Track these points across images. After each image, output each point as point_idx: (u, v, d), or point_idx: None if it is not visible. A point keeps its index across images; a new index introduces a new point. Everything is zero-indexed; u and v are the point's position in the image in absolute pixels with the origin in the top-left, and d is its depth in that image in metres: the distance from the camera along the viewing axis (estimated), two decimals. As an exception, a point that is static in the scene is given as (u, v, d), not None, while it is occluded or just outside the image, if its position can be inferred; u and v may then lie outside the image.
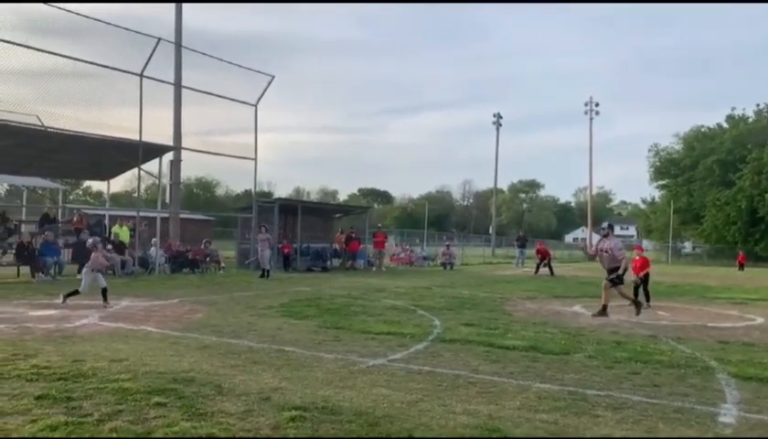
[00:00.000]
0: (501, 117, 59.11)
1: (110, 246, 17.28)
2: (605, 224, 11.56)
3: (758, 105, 55.40)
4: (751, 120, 54.88)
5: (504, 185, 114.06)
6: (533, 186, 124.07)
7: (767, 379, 5.89)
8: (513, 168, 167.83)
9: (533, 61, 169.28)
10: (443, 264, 28.42)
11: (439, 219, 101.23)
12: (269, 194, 73.07)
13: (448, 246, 30.60)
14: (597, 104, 56.01)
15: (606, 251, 10.84)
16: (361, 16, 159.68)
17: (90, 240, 11.28)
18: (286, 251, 22.40)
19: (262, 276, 17.89)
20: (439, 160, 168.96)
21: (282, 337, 7.64)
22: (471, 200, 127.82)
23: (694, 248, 59.49)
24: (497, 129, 59.25)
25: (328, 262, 25.01)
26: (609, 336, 8.44)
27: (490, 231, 58.94)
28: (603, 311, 10.56)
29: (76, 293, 10.29)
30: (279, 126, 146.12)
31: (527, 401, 4.88)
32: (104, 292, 10.26)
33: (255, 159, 22.39)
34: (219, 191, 77.75)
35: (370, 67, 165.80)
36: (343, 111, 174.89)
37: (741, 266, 35.98)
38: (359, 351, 6.83)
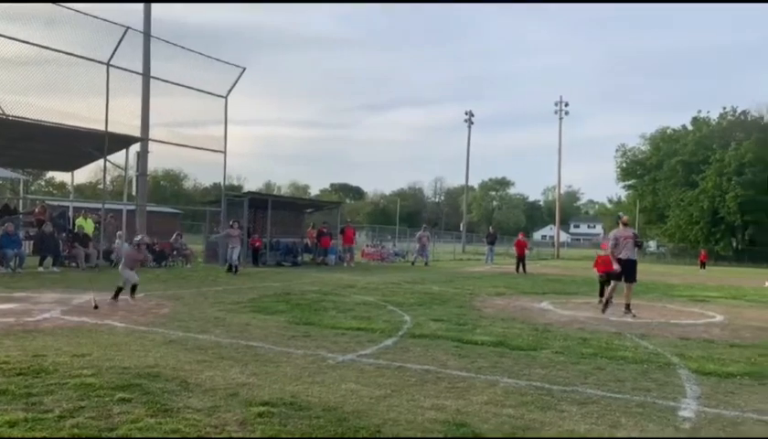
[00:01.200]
0: (473, 115, 59.56)
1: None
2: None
3: (724, 108, 57.03)
4: (715, 122, 56.39)
5: (475, 182, 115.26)
6: (503, 184, 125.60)
7: (725, 374, 6.06)
8: (484, 166, 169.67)
9: (505, 61, 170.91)
10: (420, 254, 28.11)
11: (411, 215, 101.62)
12: (238, 188, 72.32)
13: (425, 228, 30.36)
14: (567, 104, 56.84)
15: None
16: (338, 11, 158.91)
17: (137, 237, 11.12)
18: (256, 245, 22.20)
19: (229, 271, 17.67)
20: (411, 157, 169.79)
21: (251, 333, 7.57)
22: (442, 197, 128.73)
23: (658, 247, 60.94)
24: (469, 127, 59.70)
25: (299, 258, 24.89)
26: (575, 332, 8.59)
27: (461, 228, 59.37)
28: (606, 305, 10.93)
29: (120, 290, 10.11)
30: (250, 119, 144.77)
31: (494, 396, 4.93)
32: (134, 288, 10.23)
33: (225, 152, 22.14)
34: (188, 184, 76.67)
35: (344, 62, 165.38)
36: (316, 105, 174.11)
37: (703, 265, 36.97)
38: (329, 347, 6.81)
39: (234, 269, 17.72)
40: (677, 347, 7.56)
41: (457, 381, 5.41)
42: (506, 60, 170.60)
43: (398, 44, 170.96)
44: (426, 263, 27.45)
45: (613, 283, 10.94)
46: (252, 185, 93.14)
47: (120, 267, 10.42)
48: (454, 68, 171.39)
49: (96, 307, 9.16)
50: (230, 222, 19.37)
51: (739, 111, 55.93)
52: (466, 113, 59.54)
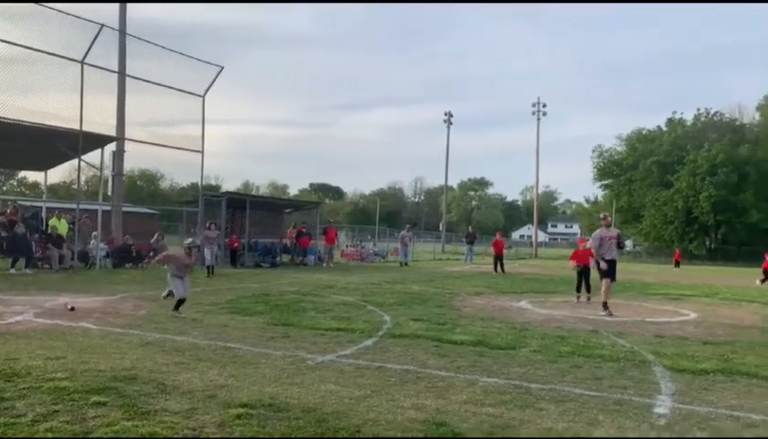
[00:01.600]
0: (452, 115, 59.80)
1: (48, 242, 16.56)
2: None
3: (698, 109, 58.12)
4: (689, 124, 57.43)
5: (454, 182, 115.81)
6: (482, 184, 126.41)
7: (699, 371, 6.17)
8: (463, 166, 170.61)
9: (484, 61, 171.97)
10: (403, 254, 28.00)
11: (390, 215, 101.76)
12: (216, 187, 71.68)
13: (408, 227, 30.28)
14: (545, 105, 57.37)
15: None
16: (317, 10, 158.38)
17: (188, 240, 9.80)
18: (234, 246, 22.02)
19: (209, 275, 17.05)
20: (391, 157, 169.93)
21: (229, 334, 7.50)
22: (422, 197, 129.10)
23: (634, 246, 61.85)
24: (448, 127, 59.93)
25: (278, 258, 24.75)
26: (553, 331, 8.67)
27: (440, 228, 59.60)
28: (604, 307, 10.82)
29: (181, 300, 8.96)
30: (228, 118, 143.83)
31: (473, 395, 4.95)
32: (181, 302, 8.91)
33: (202, 152, 21.93)
34: (164, 184, 75.66)
35: (324, 61, 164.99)
36: (295, 105, 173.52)
37: (678, 264, 37.57)
38: (308, 348, 6.78)
39: (210, 270, 17.26)
40: (653, 345, 7.68)
41: (437, 381, 5.42)
42: (485, 61, 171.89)
43: (377, 43, 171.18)
44: (405, 264, 27.37)
45: (604, 283, 10.85)
46: (230, 185, 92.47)
47: (168, 276, 9.00)
48: (434, 68, 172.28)
49: (72, 309, 9.00)
50: (207, 224, 18.86)
51: (712, 112, 57.15)
52: (446, 114, 59.80)
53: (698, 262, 46.70)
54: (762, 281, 20.57)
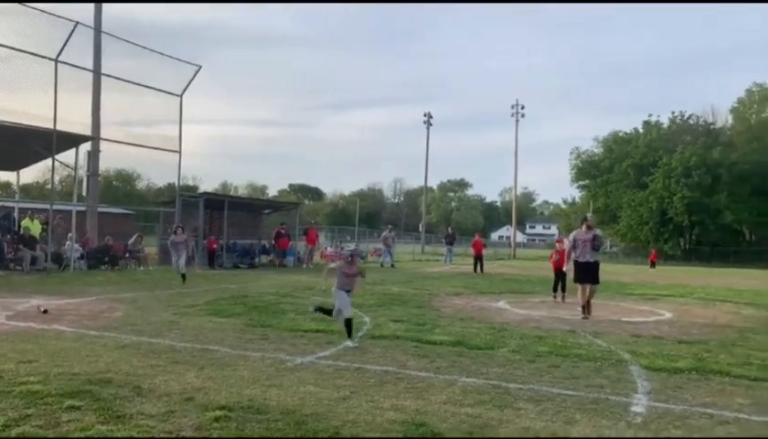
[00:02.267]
0: (431, 116, 59.92)
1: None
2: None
3: (673, 112, 59.19)
4: (665, 126, 58.41)
5: (434, 183, 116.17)
6: (461, 185, 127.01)
7: (674, 370, 6.27)
8: (443, 167, 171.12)
9: (464, 63, 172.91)
10: (385, 255, 27.61)
11: (370, 216, 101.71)
12: (194, 188, 70.93)
13: (390, 228, 30.07)
14: (523, 107, 57.81)
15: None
16: (297, 10, 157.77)
17: (350, 246, 8.64)
18: (212, 247, 21.81)
19: (184, 281, 15.01)
20: (371, 157, 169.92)
21: (207, 336, 7.42)
22: (402, 198, 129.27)
23: (611, 246, 62.64)
24: (428, 128, 60.04)
25: (256, 259, 24.56)
26: (531, 331, 8.74)
27: (420, 229, 59.71)
28: (583, 309, 10.54)
29: (329, 313, 7.84)
30: (206, 118, 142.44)
31: (453, 396, 4.97)
32: (348, 324, 7.41)
33: (180, 152, 21.69)
34: (141, 184, 74.68)
35: (304, 61, 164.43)
36: (274, 105, 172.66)
37: (653, 264, 38.17)
38: (287, 349, 6.74)
39: (183, 277, 15.15)
40: (629, 345, 7.78)
41: (416, 381, 5.43)
42: (466, 62, 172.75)
43: (356, 44, 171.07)
44: (392, 265, 27.05)
45: (579, 287, 10.71)
46: (208, 185, 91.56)
47: (333, 289, 7.65)
48: (414, 68, 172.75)
49: (44, 312, 8.82)
50: (173, 227, 16.78)
51: (687, 115, 58.22)
52: (425, 115, 59.86)
53: (674, 263, 47.47)
54: None
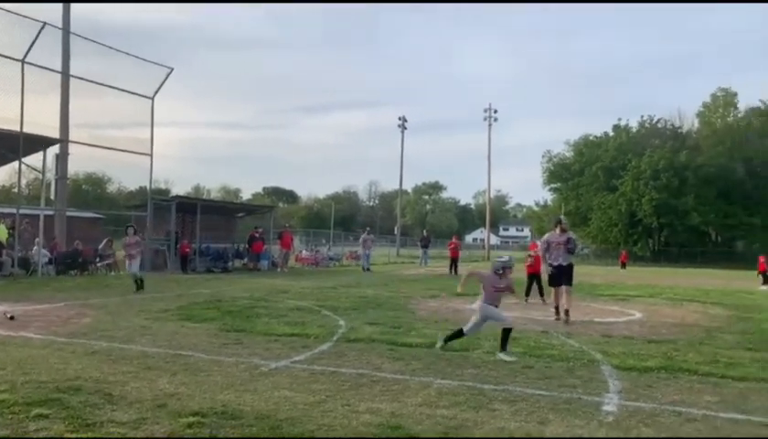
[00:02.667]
0: (406, 120, 60.16)
1: None
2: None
3: (642, 116, 60.51)
4: (634, 130, 59.62)
5: (409, 186, 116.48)
6: (436, 188, 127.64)
7: (644, 369, 6.39)
8: (418, 170, 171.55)
9: (438, 66, 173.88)
10: (365, 258, 27.35)
11: (345, 219, 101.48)
12: (166, 191, 69.88)
13: (368, 231, 29.96)
14: (496, 111, 58.41)
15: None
16: (273, 12, 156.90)
17: (503, 258, 7.27)
18: (185, 251, 21.53)
19: (139, 289, 13.53)
20: (346, 160, 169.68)
21: (180, 341, 7.32)
22: (377, 201, 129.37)
23: (582, 248, 63.58)
24: (402, 132, 60.25)
25: (230, 263, 24.33)
26: (505, 332, 8.80)
27: (395, 232, 59.82)
28: (565, 314, 10.32)
29: (459, 334, 7.08)
30: (179, 121, 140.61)
31: (428, 398, 4.99)
32: (506, 333, 6.89)
33: (151, 155, 21.38)
34: (111, 188, 73.35)
35: (277, 64, 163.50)
36: (248, 108, 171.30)
37: (624, 265, 38.86)
38: (262, 354, 6.68)
39: (139, 283, 13.75)
40: (600, 345, 7.90)
41: (392, 384, 5.44)
42: (439, 66, 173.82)
43: (332, 46, 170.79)
44: (368, 269, 26.91)
45: (554, 289, 10.61)
46: (180, 189, 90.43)
47: (477, 304, 7.02)
48: (389, 72, 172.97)
49: (11, 318, 8.61)
50: (125, 227, 14.88)
51: (655, 119, 59.53)
52: (400, 119, 60.13)
53: (643, 264, 48.37)
54: (765, 282, 21.46)
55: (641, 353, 7.34)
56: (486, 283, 6.88)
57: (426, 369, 6.08)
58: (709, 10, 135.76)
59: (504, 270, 7.02)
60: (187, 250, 21.70)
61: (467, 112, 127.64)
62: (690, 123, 61.27)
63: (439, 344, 6.99)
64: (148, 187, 22.69)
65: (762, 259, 23.35)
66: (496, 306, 6.89)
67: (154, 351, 6.65)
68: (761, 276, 22.40)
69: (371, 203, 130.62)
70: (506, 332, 6.84)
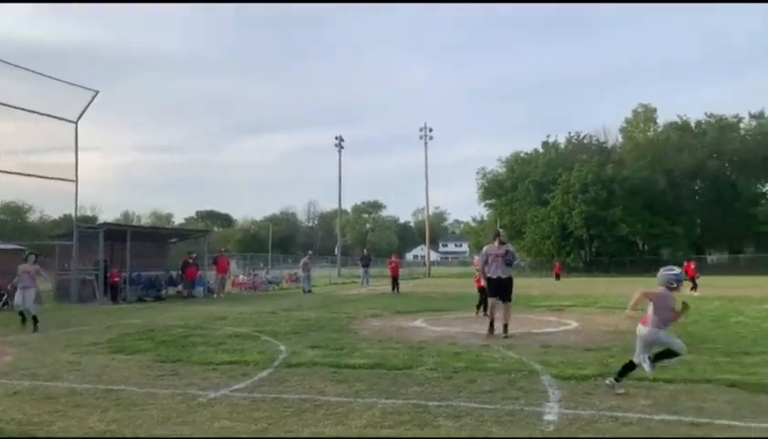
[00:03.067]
0: (343, 140, 60.36)
1: None
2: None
3: (569, 133, 63.19)
4: (562, 146, 62.14)
5: (348, 206, 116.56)
6: (376, 206, 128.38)
7: (582, 377, 6.56)
8: (357, 189, 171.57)
9: (374, 85, 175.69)
10: (306, 281, 27.14)
11: (284, 241, 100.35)
12: (93, 219, 67.18)
13: (309, 254, 29.67)
14: (431, 130, 59.47)
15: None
16: (203, 31, 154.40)
17: (673, 271, 6.17)
18: (115, 280, 20.62)
19: (35, 326, 11.67)
20: (283, 181, 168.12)
21: (111, 376, 6.95)
22: (316, 221, 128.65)
23: (519, 261, 65.34)
24: (339, 151, 60.39)
25: (163, 291, 23.48)
26: (448, 347, 8.87)
27: (336, 252, 59.54)
28: (504, 329, 10.13)
29: (632, 367, 5.98)
30: (106, 145, 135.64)
31: (372, 419, 4.92)
32: (670, 356, 5.94)
33: (76, 181, 20.44)
34: (33, 217, 69.77)
35: (209, 84, 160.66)
36: (179, 129, 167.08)
37: (558, 276, 40.12)
38: (199, 384, 6.43)
39: (32, 320, 11.83)
40: (540, 355, 8.07)
41: (336, 407, 5.34)
42: (374, 85, 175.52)
43: (267, 66, 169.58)
44: (309, 291, 26.59)
45: (490, 300, 10.65)
46: (109, 215, 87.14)
47: (647, 330, 5.86)
48: (324, 91, 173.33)
49: None
50: (25, 254, 13.48)
51: (581, 135, 62.29)
52: (336, 138, 60.25)
53: (576, 274, 50.10)
54: (693, 288, 22.42)
55: (578, 361, 7.54)
56: (660, 303, 5.94)
57: (370, 390, 6.02)
58: (629, 25, 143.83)
59: (677, 283, 6.11)
60: (117, 279, 20.80)
61: (404, 129, 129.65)
62: (614, 137, 64.58)
63: (609, 380, 6.04)
64: (73, 215, 21.67)
65: (691, 265, 24.60)
66: (667, 329, 5.91)
67: (84, 387, 6.28)
68: (690, 281, 23.56)
69: (310, 224, 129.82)
70: (671, 354, 5.93)
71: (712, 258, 57.90)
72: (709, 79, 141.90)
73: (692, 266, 24.59)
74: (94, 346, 9.45)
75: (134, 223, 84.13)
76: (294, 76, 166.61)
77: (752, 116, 58.47)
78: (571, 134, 62.61)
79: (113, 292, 20.40)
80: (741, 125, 58.70)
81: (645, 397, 5.66)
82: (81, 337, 10.52)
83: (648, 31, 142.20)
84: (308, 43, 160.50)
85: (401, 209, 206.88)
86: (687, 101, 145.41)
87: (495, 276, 10.42)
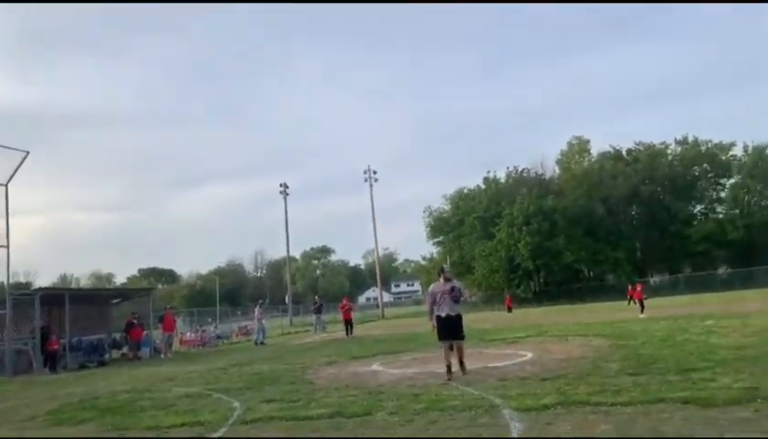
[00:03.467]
0: (287, 186, 60.07)
1: None
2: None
3: (507, 167, 65.07)
4: (502, 181, 63.88)
5: (297, 252, 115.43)
6: (325, 251, 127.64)
7: (541, 407, 6.56)
8: (305, 235, 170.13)
9: (314, 131, 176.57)
10: (259, 332, 26.47)
11: (231, 293, 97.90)
12: (27, 285, 64.01)
13: (261, 303, 28.99)
14: (375, 172, 60.02)
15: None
16: (135, 85, 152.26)
17: None
18: (53, 348, 19.51)
19: None
20: (228, 232, 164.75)
21: (51, 451, 6.48)
22: (264, 271, 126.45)
23: (470, 296, 65.83)
24: (285, 198, 59.94)
25: (106, 355, 22.35)
26: (407, 389, 8.74)
27: (287, 301, 58.50)
28: (461, 367, 9.91)
29: None
30: (38, 207, 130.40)
31: (335, 472, 4.74)
32: None
33: (8, 246, 19.43)
34: (-39, 287, 65.84)
35: (142, 139, 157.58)
36: (114, 186, 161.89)
37: (509, 309, 40.56)
38: (148, 451, 6.07)
39: None
40: (498, 389, 8.05)
41: (295, 463, 5.13)
42: (315, 130, 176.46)
43: (202, 117, 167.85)
44: (262, 342, 25.95)
45: (444, 347, 9.95)
46: (45, 280, 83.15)
47: None
48: (263, 140, 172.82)
49: None
50: None
51: (520, 169, 64.27)
52: (281, 185, 59.90)
53: (527, 305, 50.82)
54: (643, 310, 23.01)
55: (536, 392, 7.56)
56: None
57: (330, 441, 5.83)
58: (557, 63, 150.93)
59: None
60: (56, 346, 19.68)
61: (348, 174, 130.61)
62: (552, 169, 66.87)
63: None
64: (5, 283, 20.55)
65: (638, 287, 25.38)
66: None
67: (19, 468, 5.82)
68: (638, 304, 24.25)
69: (259, 273, 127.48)
70: None
71: (654, 280, 59.96)
72: (636, 109, 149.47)
73: (639, 289, 25.36)
74: (33, 420, 8.83)
75: (73, 286, 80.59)
76: (231, 127, 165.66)
77: (678, 142, 61.87)
78: (510, 169, 64.54)
79: (52, 360, 19.26)
80: (669, 151, 61.95)
81: (604, 422, 5.70)
82: (19, 412, 9.82)
83: (578, 67, 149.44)
84: (246, 92, 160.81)
85: (351, 253, 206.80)
86: (618, 131, 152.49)
87: (444, 314, 9.98)
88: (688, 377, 7.76)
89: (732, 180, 59.91)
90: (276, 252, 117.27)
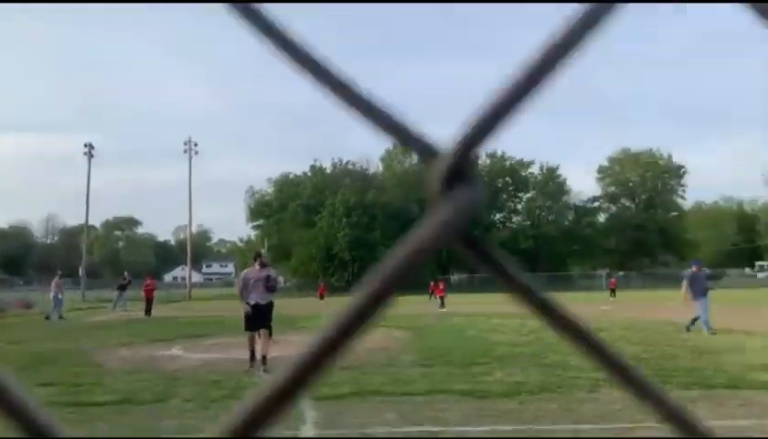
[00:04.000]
0: (93, 147, 54.45)
1: None
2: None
3: (333, 158, 66.20)
4: (328, 171, 64.85)
5: (97, 221, 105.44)
6: (130, 222, 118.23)
7: (337, 396, 6.79)
8: (109, 204, 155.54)
9: (132, 94, 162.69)
10: (58, 304, 23.55)
11: (15, 260, 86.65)
12: None
13: (60, 274, 25.52)
14: (196, 144, 57.16)
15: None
16: None
17: None
18: None
19: None
20: (12, 190, 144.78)
21: None
22: (56, 238, 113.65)
23: (285, 282, 65.95)
24: (89, 160, 54.29)
25: None
26: (206, 375, 8.51)
27: (80, 273, 53.22)
28: (262, 361, 9.24)
29: None
30: None
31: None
32: None
33: None
34: None
35: None
36: None
37: (322, 296, 41.42)
38: None
39: None
40: (299, 377, 8.18)
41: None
42: (134, 94, 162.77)
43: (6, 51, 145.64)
44: (61, 317, 23.04)
45: (248, 334, 9.53)
46: None
47: None
48: (70, 88, 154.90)
49: None
50: None
51: (345, 161, 65.84)
52: (86, 145, 54.11)
53: (339, 293, 52.14)
54: (443, 305, 24.43)
55: (334, 381, 7.79)
56: None
57: (113, 430, 5.47)
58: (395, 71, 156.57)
59: None
60: None
61: (166, 143, 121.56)
62: (376, 166, 69.51)
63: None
64: None
65: (440, 284, 27.37)
66: None
67: None
68: (438, 299, 26.19)
69: (49, 240, 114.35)
70: None
71: (455, 278, 65.35)
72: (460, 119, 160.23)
73: (440, 286, 27.39)
74: None
75: None
76: (35, 63, 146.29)
77: (488, 155, 68.10)
78: (336, 161, 65.82)
79: None
80: (479, 162, 67.99)
81: (393, 411, 6.10)
82: None
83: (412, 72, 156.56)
84: (61, 39, 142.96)
85: (161, 227, 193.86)
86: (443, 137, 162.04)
87: (253, 302, 9.51)
88: (469, 370, 8.61)
89: (528, 195, 67.63)
90: (72, 219, 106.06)
